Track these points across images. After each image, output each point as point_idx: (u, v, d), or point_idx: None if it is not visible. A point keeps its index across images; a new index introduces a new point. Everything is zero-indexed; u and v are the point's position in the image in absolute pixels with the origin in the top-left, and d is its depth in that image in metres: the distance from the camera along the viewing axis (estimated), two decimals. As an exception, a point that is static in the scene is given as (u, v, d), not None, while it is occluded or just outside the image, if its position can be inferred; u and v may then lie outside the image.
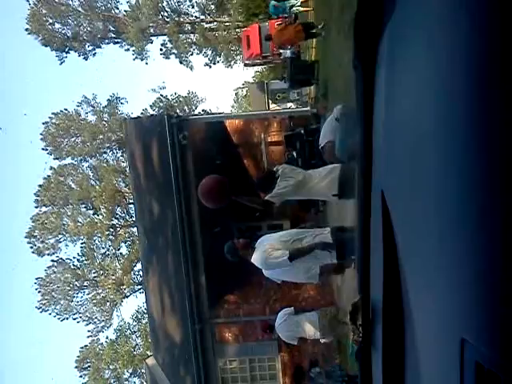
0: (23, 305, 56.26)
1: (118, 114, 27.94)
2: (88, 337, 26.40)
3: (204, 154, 12.04)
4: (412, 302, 0.96)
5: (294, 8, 12.26)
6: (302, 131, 12.35)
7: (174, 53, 29.99)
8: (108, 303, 26.19)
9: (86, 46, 29.16)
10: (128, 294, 26.46)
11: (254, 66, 22.55)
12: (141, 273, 21.22)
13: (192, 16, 29.90)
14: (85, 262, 26.23)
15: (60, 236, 25.89)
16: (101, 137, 27.27)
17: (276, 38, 11.88)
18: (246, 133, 15.47)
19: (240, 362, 11.82)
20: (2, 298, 52.32)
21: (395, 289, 1.05)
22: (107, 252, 26.75)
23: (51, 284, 25.57)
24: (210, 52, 30.74)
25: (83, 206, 26.17)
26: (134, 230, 23.30)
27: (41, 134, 26.96)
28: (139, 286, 25.27)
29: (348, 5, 6.96)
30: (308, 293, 11.18)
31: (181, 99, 31.77)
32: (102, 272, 26.29)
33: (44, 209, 26.15)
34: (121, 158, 26.82)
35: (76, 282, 25.94)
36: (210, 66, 31.51)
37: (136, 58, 29.85)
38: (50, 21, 27.87)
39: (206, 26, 29.51)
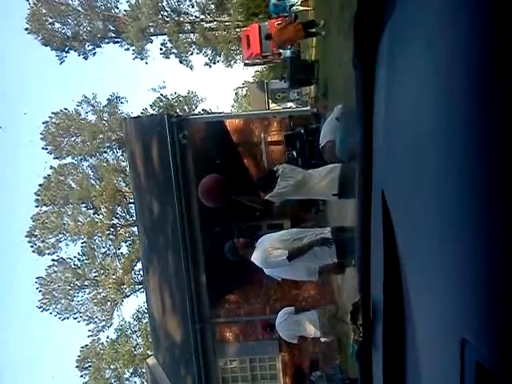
0: (24, 304, 56.35)
1: (118, 114, 27.96)
2: (89, 336, 26.48)
3: (204, 154, 12.05)
4: (412, 301, 0.96)
5: (294, 7, 12.26)
6: (302, 131, 12.34)
7: (173, 52, 30.01)
8: (109, 303, 26.22)
9: (86, 46, 29.18)
10: (128, 293, 26.49)
11: (253, 65, 22.55)
12: (141, 272, 21.20)
13: (192, 15, 29.91)
14: (85, 261, 26.26)
15: (60, 235, 25.92)
16: (101, 136, 27.29)
17: (276, 36, 11.88)
18: (245, 132, 15.47)
19: (240, 361, 11.82)
20: (3, 298, 52.39)
21: (396, 288, 1.05)
22: (108, 251, 26.78)
23: (52, 283, 25.59)
24: (209, 51, 30.75)
25: (83, 205, 26.20)
26: (135, 229, 23.32)
27: (41, 134, 27.02)
28: (140, 286, 25.29)
29: (348, 4, 6.96)
30: (308, 292, 11.19)
31: (181, 99, 31.79)
32: (102, 271, 26.31)
33: (44, 208, 26.21)
34: (121, 157, 26.85)
35: (76, 282, 25.96)
36: (210, 66, 31.55)
37: (136, 57, 29.89)
38: (50, 20, 27.89)
39: (205, 25, 29.51)
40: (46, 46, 28.15)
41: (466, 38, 0.61)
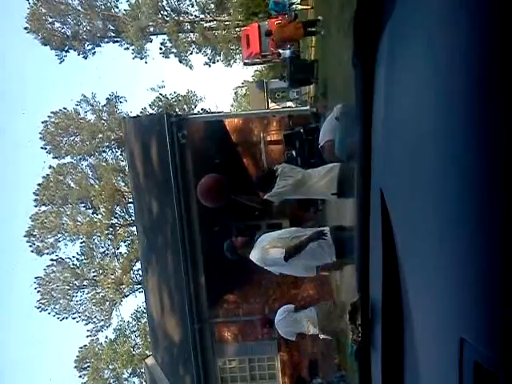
0: (22, 304, 56.24)
1: (118, 113, 27.93)
2: (87, 336, 26.44)
3: (203, 153, 12.05)
4: (411, 301, 0.96)
5: (294, 6, 12.28)
6: (302, 130, 12.35)
7: (173, 52, 29.98)
8: (107, 303, 26.19)
9: (86, 45, 29.14)
10: (127, 293, 26.47)
11: (253, 65, 22.53)
12: (140, 272, 21.24)
13: (191, 15, 29.90)
14: (84, 261, 26.23)
15: (59, 235, 25.89)
16: (100, 136, 27.26)
17: (276, 33, 11.87)
18: (245, 132, 15.47)
19: (239, 361, 11.83)
20: (1, 298, 52.37)
21: (394, 288, 1.05)
22: (106, 251, 26.77)
23: (50, 283, 25.56)
24: (209, 51, 30.73)
25: (82, 205, 26.17)
26: (134, 229, 23.31)
27: (40, 133, 26.97)
28: (139, 286, 25.28)
29: (348, 3, 6.96)
30: (307, 292, 11.19)
31: (180, 98, 31.76)
32: (101, 271, 26.29)
33: (43, 208, 26.16)
34: (120, 156, 26.82)
35: (75, 282, 25.94)
36: (210, 65, 31.54)
37: (135, 56, 29.85)
38: (50, 20, 27.85)
39: (205, 25, 29.50)
40: (46, 45, 28.12)
41: (465, 38, 0.61)
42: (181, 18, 29.51)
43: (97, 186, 25.79)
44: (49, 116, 27.27)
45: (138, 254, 16.56)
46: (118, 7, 29.29)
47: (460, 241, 0.65)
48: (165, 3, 28.98)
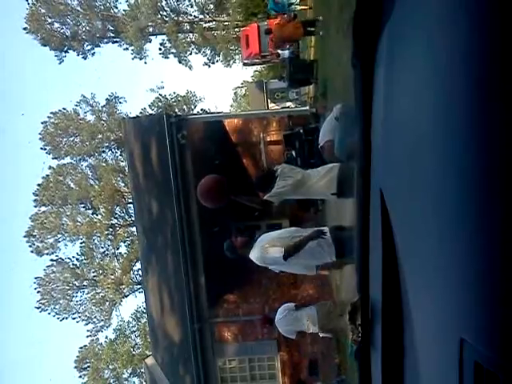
0: (22, 304, 56.27)
1: (117, 114, 27.93)
2: (87, 336, 26.45)
3: (203, 154, 12.04)
4: (411, 301, 0.96)
5: (293, 6, 12.27)
6: (301, 130, 12.35)
7: (172, 52, 29.99)
8: (107, 303, 26.19)
9: (85, 46, 29.14)
10: (127, 293, 26.47)
11: (252, 65, 22.57)
12: (140, 272, 21.24)
13: (191, 15, 29.91)
14: (84, 261, 26.24)
15: (59, 235, 25.89)
16: (99, 136, 27.26)
17: (276, 31, 11.87)
18: (244, 132, 15.46)
19: (239, 361, 11.82)
20: (1, 298, 52.35)
21: (394, 289, 1.05)
22: (106, 251, 26.77)
23: (50, 283, 25.56)
24: (208, 51, 30.74)
25: (82, 205, 26.18)
26: (134, 229, 23.32)
27: (39, 134, 26.97)
28: (138, 286, 25.28)
29: (347, 3, 6.96)
30: (307, 292, 11.20)
31: (180, 98, 31.76)
32: (101, 271, 26.29)
33: (43, 208, 26.17)
34: (120, 157, 26.83)
35: (75, 282, 25.94)
36: (209, 66, 31.55)
37: (135, 57, 29.85)
38: (49, 20, 27.85)
39: (204, 25, 29.50)
40: (45, 45, 28.12)
41: (465, 38, 0.61)
42: (180, 19, 29.51)
43: (96, 187, 25.79)
44: (48, 116, 27.30)
45: (138, 254, 16.56)
46: (117, 7, 29.34)
47: (460, 241, 0.65)
48: (164, 3, 28.99)
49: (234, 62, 31.74)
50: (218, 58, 31.21)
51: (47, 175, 26.19)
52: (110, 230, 26.12)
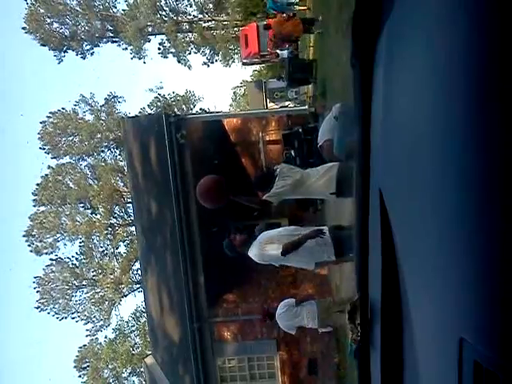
0: (21, 304, 56.24)
1: (116, 113, 27.91)
2: (87, 336, 26.43)
3: (202, 153, 12.04)
4: (410, 301, 0.96)
5: (292, 6, 12.26)
6: (300, 130, 12.35)
7: (171, 52, 29.96)
8: (106, 302, 26.19)
9: (84, 45, 29.10)
10: (127, 293, 26.46)
11: (251, 64, 22.56)
12: (139, 272, 21.22)
13: (190, 15, 29.87)
14: (83, 261, 26.23)
15: (58, 235, 25.88)
16: (98, 136, 27.25)
17: (276, 26, 11.84)
18: (243, 132, 15.45)
19: (239, 360, 11.82)
20: (1, 298, 52.32)
21: (394, 288, 1.05)
22: (106, 251, 26.76)
23: (50, 283, 25.55)
24: (207, 51, 30.71)
25: (81, 205, 26.17)
26: (133, 229, 23.32)
27: (38, 134, 26.95)
28: (138, 285, 25.28)
29: (346, 3, 6.96)
30: (306, 291, 11.19)
31: (179, 98, 31.74)
32: (100, 271, 26.29)
33: (42, 208, 26.15)
34: (119, 157, 26.82)
35: (74, 281, 25.93)
36: (208, 65, 31.52)
37: (134, 57, 29.81)
38: (48, 20, 27.80)
39: (204, 24, 29.48)
40: (44, 45, 28.07)
41: (464, 38, 0.61)
42: (179, 18, 29.48)
43: (95, 186, 25.78)
44: (47, 116, 27.28)
45: (137, 253, 16.55)
46: (116, 7, 29.29)
47: (459, 241, 0.65)
48: (163, 3, 28.96)
49: (233, 62, 31.74)
50: (217, 57, 31.19)
51: (46, 175, 26.19)
52: (109, 229, 26.12)
